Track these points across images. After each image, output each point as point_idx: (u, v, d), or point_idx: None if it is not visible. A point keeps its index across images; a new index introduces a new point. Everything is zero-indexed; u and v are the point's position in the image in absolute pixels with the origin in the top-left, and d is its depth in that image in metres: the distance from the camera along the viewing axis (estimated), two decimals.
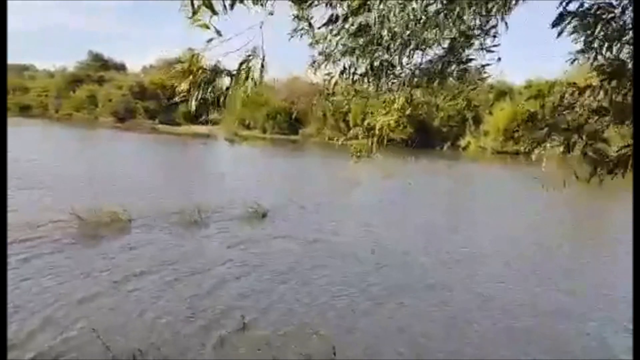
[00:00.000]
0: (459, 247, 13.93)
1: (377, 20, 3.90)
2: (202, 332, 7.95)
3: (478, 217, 19.32)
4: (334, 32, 4.10)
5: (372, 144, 4.36)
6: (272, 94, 51.35)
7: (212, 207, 16.21)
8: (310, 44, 4.30)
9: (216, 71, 3.55)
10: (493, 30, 3.98)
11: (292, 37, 4.15)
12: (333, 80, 4.19)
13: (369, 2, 3.86)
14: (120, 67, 73.72)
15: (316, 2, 4.05)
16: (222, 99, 3.60)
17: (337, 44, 4.12)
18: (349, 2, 3.92)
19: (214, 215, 15.65)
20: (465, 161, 42.21)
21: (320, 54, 4.24)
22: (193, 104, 3.51)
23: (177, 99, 3.56)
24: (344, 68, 4.14)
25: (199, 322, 8.28)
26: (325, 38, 4.15)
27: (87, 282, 9.78)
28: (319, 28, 4.13)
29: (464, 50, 3.88)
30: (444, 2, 3.55)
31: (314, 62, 4.23)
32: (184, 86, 3.49)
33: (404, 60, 4.00)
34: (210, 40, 3.31)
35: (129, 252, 11.87)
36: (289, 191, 21.76)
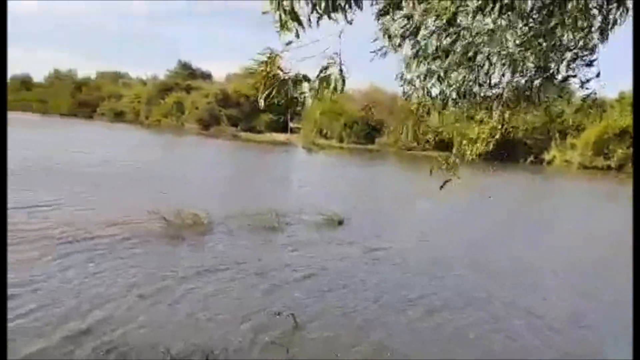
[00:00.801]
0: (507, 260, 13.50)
1: (465, 38, 3.84)
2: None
3: (546, 234, 18.38)
4: (416, 55, 4.07)
5: (457, 157, 4.28)
6: (350, 103, 51.61)
7: (289, 213, 16.50)
8: (397, 77, 4.27)
9: (294, 76, 3.59)
10: (590, 44, 3.82)
11: (375, 53, 4.13)
12: (424, 108, 4.17)
13: (457, 18, 3.81)
14: (207, 76, 77.00)
15: (400, 15, 4.02)
16: (299, 104, 3.64)
17: (420, 67, 4.08)
18: (439, 18, 3.87)
19: (291, 220, 15.91)
20: (550, 175, 40.34)
21: (408, 83, 4.21)
22: (262, 102, 3.56)
23: (260, 101, 3.62)
24: (431, 95, 4.10)
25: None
26: (412, 64, 4.12)
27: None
28: (400, 42, 4.09)
29: (561, 68, 3.73)
30: (539, 21, 3.44)
31: (404, 92, 4.21)
32: (262, 88, 3.57)
33: (494, 80, 3.91)
34: (289, 43, 3.37)
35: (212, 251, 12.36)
36: (365, 200, 21.74)
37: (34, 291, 8.86)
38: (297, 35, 3.40)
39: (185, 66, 76.98)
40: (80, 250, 11.52)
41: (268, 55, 3.57)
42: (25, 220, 13.38)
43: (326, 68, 3.53)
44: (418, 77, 4.00)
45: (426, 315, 9.42)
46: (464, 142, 4.12)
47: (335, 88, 3.56)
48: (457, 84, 3.84)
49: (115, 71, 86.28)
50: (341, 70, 3.52)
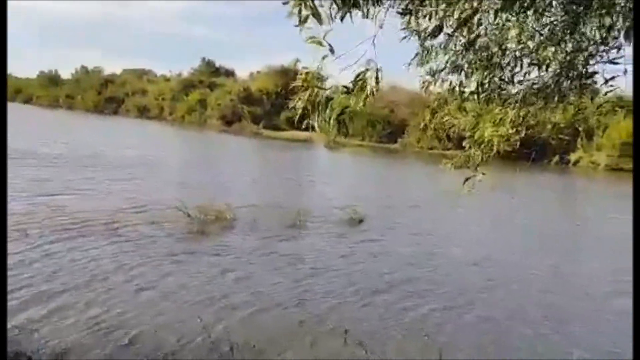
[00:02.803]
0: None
1: (487, 35, 3.84)
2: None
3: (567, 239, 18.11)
4: (442, 48, 4.07)
5: (479, 156, 4.24)
6: (370, 102, 51.38)
7: (310, 211, 16.58)
8: (419, 64, 4.28)
9: (334, 89, 3.61)
10: (616, 42, 3.77)
11: (405, 38, 4.09)
12: (442, 100, 4.15)
13: (479, 15, 3.80)
14: (230, 73, 77.48)
15: (423, 15, 4.03)
16: (340, 117, 3.66)
17: (445, 61, 4.08)
18: (459, 14, 3.87)
19: (312, 218, 15.98)
20: (574, 177, 39.69)
21: (428, 73, 4.22)
22: (316, 125, 3.60)
23: (296, 117, 3.65)
24: (453, 87, 4.08)
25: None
26: (432, 55, 4.13)
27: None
28: (425, 39, 4.10)
29: (584, 66, 3.69)
30: (562, 16, 3.41)
31: (423, 82, 4.21)
32: (299, 103, 3.59)
33: (518, 77, 3.88)
34: (324, 57, 3.39)
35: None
36: (387, 200, 21.71)
37: None
38: (332, 51, 3.39)
39: (209, 64, 77.64)
40: None
41: (305, 72, 3.57)
42: None
43: (363, 74, 3.53)
44: (442, 69, 4.00)
45: None
46: (483, 139, 4.08)
47: (371, 93, 3.56)
48: (479, 78, 3.83)
49: (140, 68, 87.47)
50: (377, 76, 3.52)
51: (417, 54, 4.04)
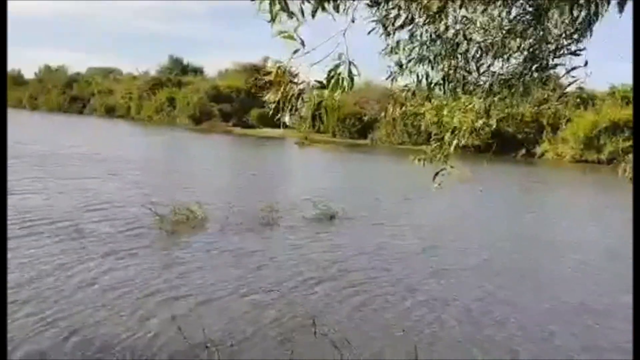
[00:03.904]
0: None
1: (454, 27, 3.89)
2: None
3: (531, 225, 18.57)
4: (409, 40, 4.10)
5: (446, 148, 4.28)
6: (342, 98, 51.52)
7: (282, 208, 16.56)
8: (385, 54, 4.31)
9: (306, 84, 3.60)
10: (577, 35, 3.87)
11: (373, 30, 4.09)
12: (409, 92, 4.18)
13: (446, 8, 3.85)
14: (198, 71, 76.64)
15: (391, 6, 4.05)
16: (316, 112, 3.65)
17: (411, 52, 4.12)
18: (426, 7, 3.91)
19: (284, 215, 15.96)
20: (540, 169, 40.60)
21: (396, 64, 4.26)
22: (287, 119, 3.59)
23: (269, 109, 3.64)
24: (419, 78, 4.13)
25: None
26: (400, 47, 4.16)
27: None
28: (394, 30, 4.12)
29: (546, 57, 3.77)
30: (527, 9, 3.48)
31: (390, 73, 4.24)
32: (272, 97, 3.58)
33: (483, 67, 3.95)
34: (296, 51, 3.38)
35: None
36: (358, 194, 21.81)
37: None
38: (303, 44, 3.37)
39: (176, 62, 76.64)
40: None
41: (277, 67, 3.56)
42: None
43: (335, 68, 3.52)
44: (409, 60, 4.03)
45: None
46: (451, 125, 4.13)
47: (344, 88, 3.55)
48: (445, 69, 3.88)
49: (106, 67, 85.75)
50: (350, 70, 3.50)
51: (386, 46, 4.06)
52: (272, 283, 10.33)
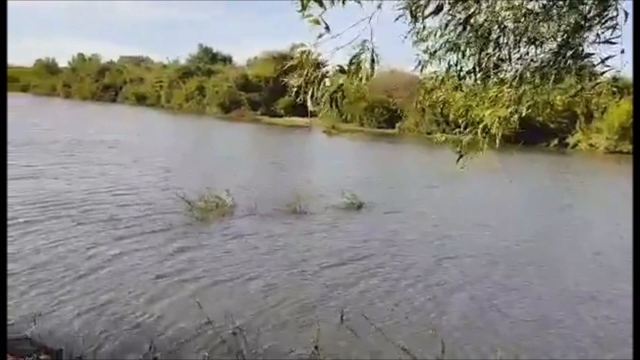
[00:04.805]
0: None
1: (486, 13, 3.83)
2: None
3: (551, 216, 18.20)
4: (440, 28, 4.05)
5: (481, 140, 4.20)
6: (370, 87, 51.16)
7: (310, 195, 16.62)
8: (415, 42, 4.26)
9: (328, 68, 3.60)
10: (612, 22, 3.76)
11: (398, 18, 4.04)
12: (438, 81, 4.14)
13: None
14: (227, 60, 77.01)
15: None
16: (334, 95, 3.65)
17: (443, 40, 4.07)
18: None
19: (312, 203, 16.02)
20: (572, 159, 39.71)
21: (425, 52, 4.21)
22: (309, 102, 3.60)
23: (292, 94, 3.66)
24: (450, 66, 4.08)
25: None
26: (431, 34, 4.12)
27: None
28: (425, 18, 4.07)
29: (580, 44, 3.67)
30: None
31: (419, 61, 4.20)
32: (295, 82, 3.60)
33: (515, 55, 3.88)
34: (320, 35, 3.39)
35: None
36: (385, 184, 21.74)
37: None
38: (327, 29, 3.37)
39: (206, 51, 77.14)
40: None
41: (301, 51, 3.57)
42: None
43: (357, 56, 3.50)
44: (439, 48, 3.99)
45: None
46: (480, 119, 4.06)
47: (366, 76, 3.55)
48: (476, 57, 3.83)
49: (137, 56, 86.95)
50: (373, 57, 3.48)
51: (412, 31, 4.01)
52: (299, 268, 10.48)
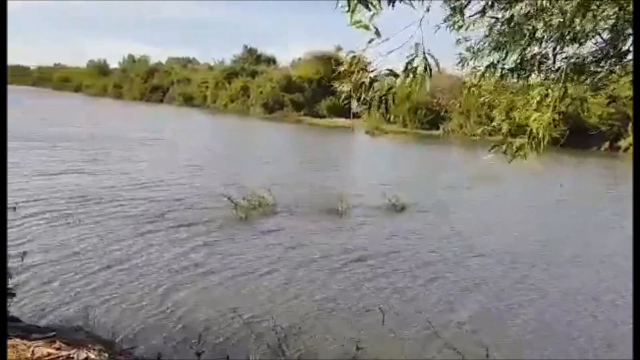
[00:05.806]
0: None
1: (531, 11, 3.80)
2: None
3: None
4: (484, 26, 4.04)
5: (528, 144, 4.13)
6: (414, 88, 50.56)
7: (351, 196, 16.66)
8: (458, 41, 4.26)
9: (378, 72, 3.62)
10: None
11: (447, 28, 4.04)
12: (479, 75, 4.10)
13: None
14: (272, 61, 77.92)
15: None
16: (384, 98, 3.67)
17: (487, 39, 4.07)
18: None
19: (353, 204, 16.05)
20: (623, 163, 38.17)
21: (467, 49, 4.21)
22: (354, 104, 3.64)
23: (340, 98, 3.71)
24: (491, 63, 4.06)
25: None
26: (474, 31, 4.11)
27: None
28: (471, 17, 4.04)
29: (626, 41, 3.59)
30: None
31: (461, 59, 4.19)
32: (345, 87, 3.63)
33: (559, 53, 3.82)
34: (370, 41, 3.41)
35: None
36: (427, 187, 21.55)
37: None
38: (378, 34, 3.38)
39: (250, 51, 78.27)
40: None
41: (351, 57, 3.59)
42: None
43: (411, 60, 3.49)
44: (483, 47, 3.97)
45: None
46: (525, 122, 4.01)
47: (422, 80, 3.53)
48: (520, 55, 3.79)
49: (184, 57, 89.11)
50: (426, 61, 3.46)
51: (459, 32, 3.99)
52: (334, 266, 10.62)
